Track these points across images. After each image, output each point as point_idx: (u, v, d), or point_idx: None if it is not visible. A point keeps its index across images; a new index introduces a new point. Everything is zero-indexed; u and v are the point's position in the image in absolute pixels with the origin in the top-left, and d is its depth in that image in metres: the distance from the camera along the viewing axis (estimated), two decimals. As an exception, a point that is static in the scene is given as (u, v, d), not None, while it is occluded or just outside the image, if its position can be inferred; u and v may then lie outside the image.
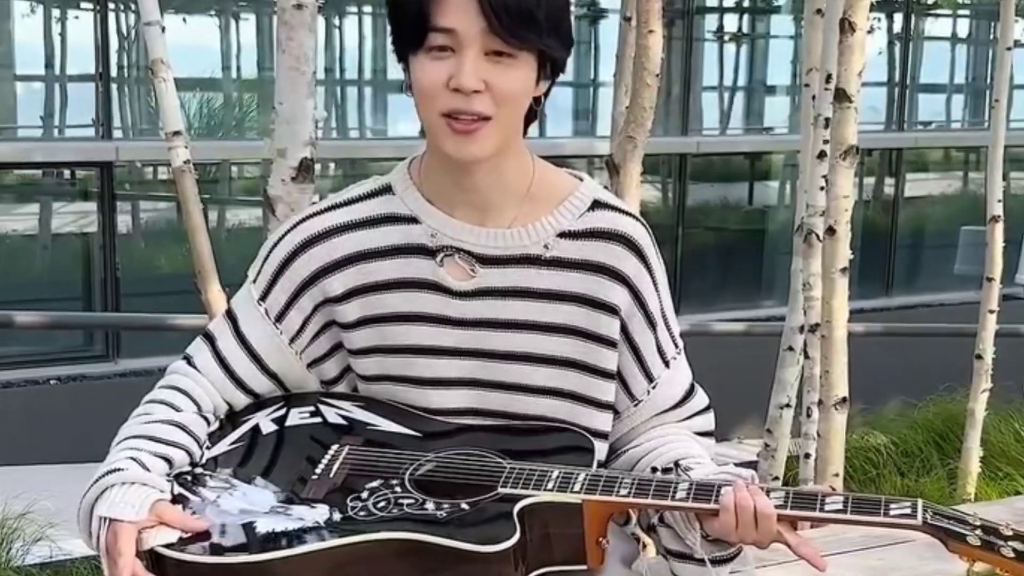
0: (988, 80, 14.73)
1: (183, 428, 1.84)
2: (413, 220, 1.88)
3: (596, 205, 1.90)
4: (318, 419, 1.91)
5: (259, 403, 1.94)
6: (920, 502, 1.70)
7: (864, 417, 6.75)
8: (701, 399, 2.00)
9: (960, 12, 16.09)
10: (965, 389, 5.88)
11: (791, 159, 12.50)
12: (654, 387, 1.94)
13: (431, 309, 1.88)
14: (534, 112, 1.84)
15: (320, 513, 1.72)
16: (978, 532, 1.66)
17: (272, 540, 1.68)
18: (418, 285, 1.88)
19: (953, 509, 1.71)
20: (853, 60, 3.97)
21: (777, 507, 1.71)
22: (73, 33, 11.36)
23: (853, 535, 3.66)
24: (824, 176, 4.34)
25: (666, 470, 1.84)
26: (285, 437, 1.89)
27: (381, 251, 1.88)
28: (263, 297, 1.91)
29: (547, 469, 1.76)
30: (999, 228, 5.43)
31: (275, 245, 1.92)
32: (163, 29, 3.35)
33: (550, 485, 1.74)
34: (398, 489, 1.76)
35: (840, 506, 1.70)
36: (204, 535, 1.69)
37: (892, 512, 1.69)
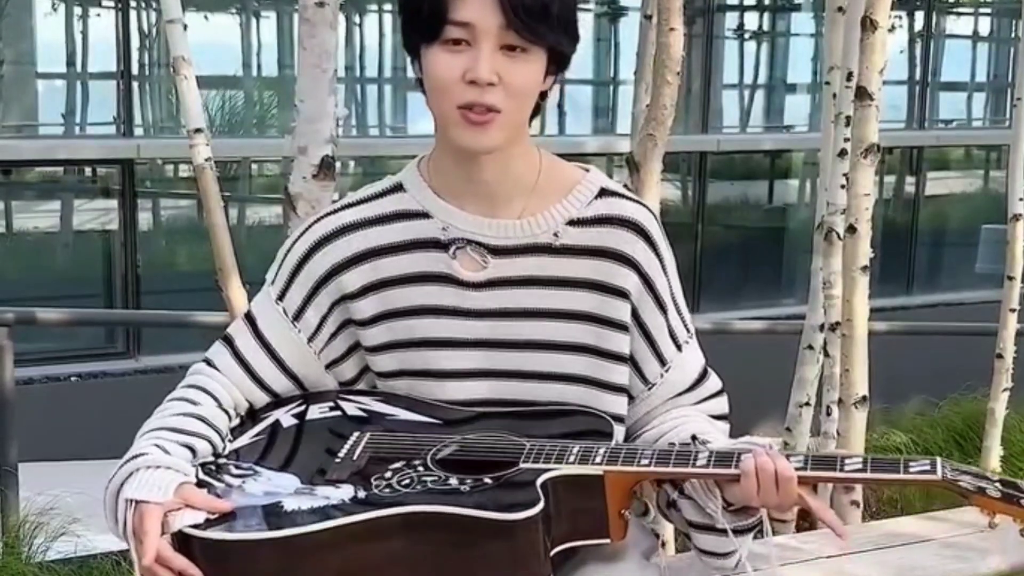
0: (1010, 78, 14.68)
1: (204, 420, 1.87)
2: (424, 215, 1.91)
3: (603, 193, 1.93)
4: (338, 412, 1.94)
5: (278, 402, 1.97)
6: (939, 459, 1.71)
7: (884, 416, 6.74)
8: (714, 382, 2.02)
9: (981, 10, 16.04)
10: (986, 388, 5.86)
11: (811, 157, 12.47)
12: (667, 370, 1.96)
13: (445, 301, 1.91)
14: (538, 106, 1.87)
15: (345, 492, 1.74)
16: (997, 485, 1.68)
17: (297, 517, 1.69)
18: (432, 278, 1.91)
19: (972, 467, 1.72)
20: (874, 58, 3.95)
21: (797, 469, 1.73)
22: (94, 31, 11.39)
23: (873, 534, 3.64)
24: (845, 174, 4.32)
25: (683, 444, 1.86)
26: (305, 430, 1.91)
27: (395, 246, 1.91)
28: (280, 297, 1.95)
29: (568, 444, 1.79)
30: (1020, 226, 5.41)
31: (291, 247, 1.96)
32: (185, 27, 3.36)
33: (571, 459, 1.76)
34: (421, 468, 1.78)
35: (860, 466, 1.72)
36: (230, 515, 1.71)
37: (912, 470, 1.71)
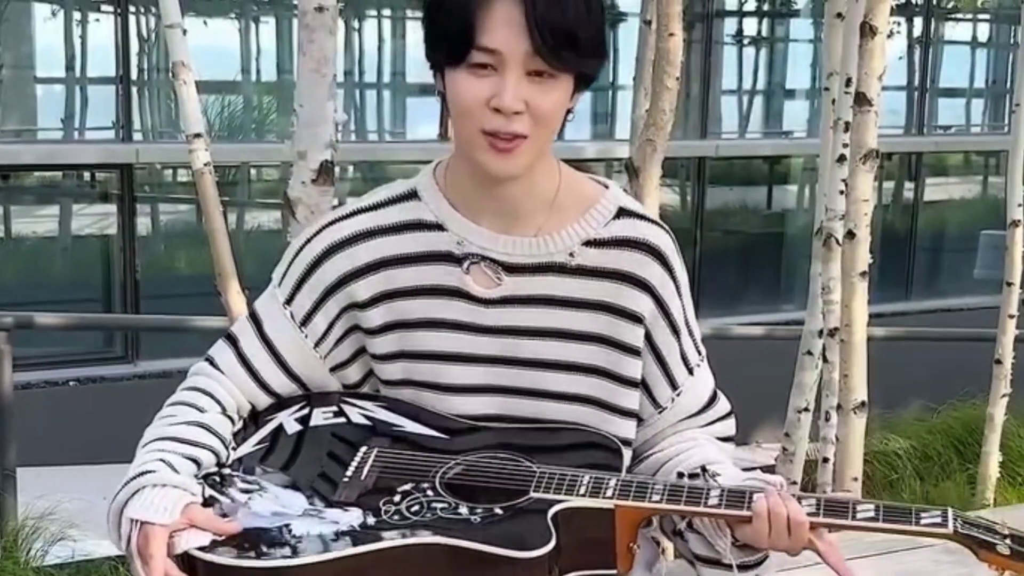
0: (1008, 84, 14.70)
1: (208, 429, 1.84)
2: (439, 227, 1.87)
3: (621, 213, 1.89)
4: (342, 419, 1.91)
5: (280, 403, 1.94)
6: (950, 511, 1.70)
7: (883, 421, 6.75)
8: (723, 405, 2.00)
9: (980, 16, 16.04)
10: (984, 394, 5.87)
11: (810, 163, 12.48)
12: (678, 394, 1.94)
13: (456, 316, 1.88)
14: (563, 123, 1.84)
15: (354, 517, 1.72)
16: (1008, 541, 1.67)
17: (307, 544, 1.67)
18: (444, 292, 1.87)
19: (981, 518, 1.72)
20: (873, 64, 3.96)
21: (809, 514, 1.71)
22: (94, 36, 11.39)
23: (873, 539, 3.65)
24: (844, 180, 4.33)
25: (692, 475, 1.84)
26: (310, 437, 1.89)
27: (407, 257, 1.88)
28: (288, 301, 1.91)
29: (578, 474, 1.76)
30: (1019, 232, 5.42)
31: (301, 249, 1.91)
32: (184, 32, 3.37)
33: (582, 490, 1.73)
34: (430, 493, 1.76)
35: (872, 514, 1.70)
36: (237, 538, 1.69)
37: (923, 521, 1.70)
